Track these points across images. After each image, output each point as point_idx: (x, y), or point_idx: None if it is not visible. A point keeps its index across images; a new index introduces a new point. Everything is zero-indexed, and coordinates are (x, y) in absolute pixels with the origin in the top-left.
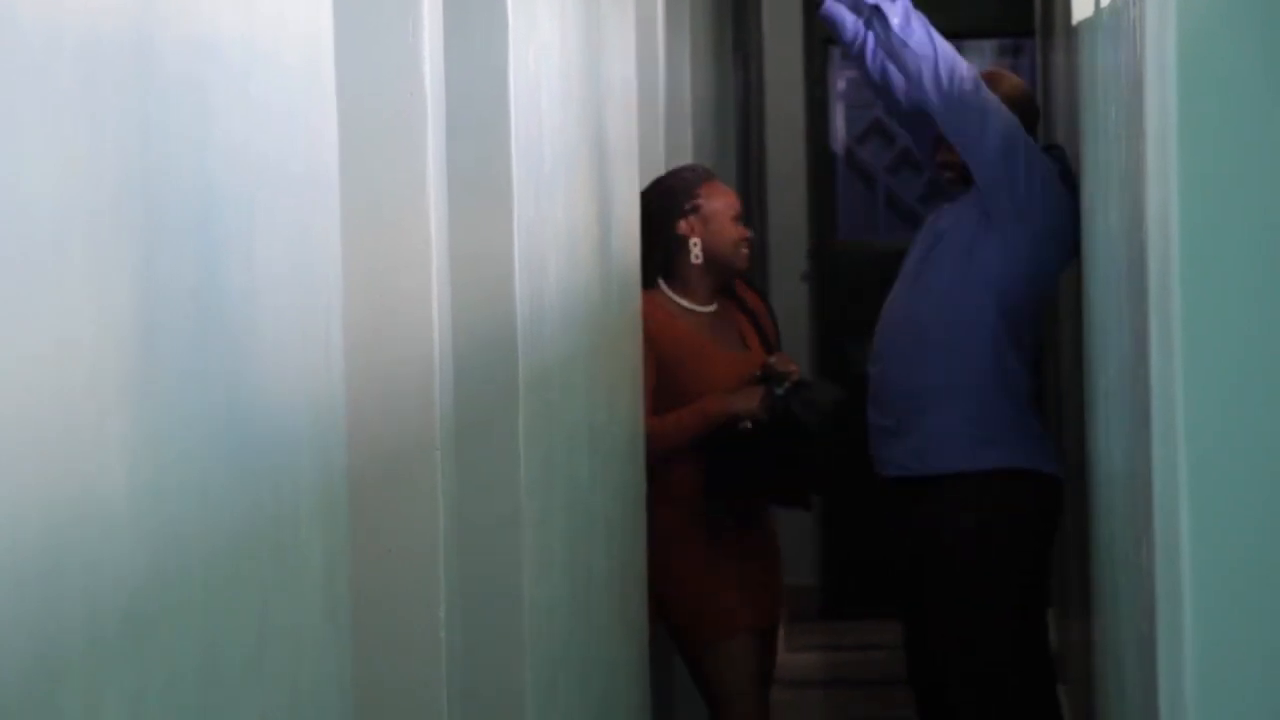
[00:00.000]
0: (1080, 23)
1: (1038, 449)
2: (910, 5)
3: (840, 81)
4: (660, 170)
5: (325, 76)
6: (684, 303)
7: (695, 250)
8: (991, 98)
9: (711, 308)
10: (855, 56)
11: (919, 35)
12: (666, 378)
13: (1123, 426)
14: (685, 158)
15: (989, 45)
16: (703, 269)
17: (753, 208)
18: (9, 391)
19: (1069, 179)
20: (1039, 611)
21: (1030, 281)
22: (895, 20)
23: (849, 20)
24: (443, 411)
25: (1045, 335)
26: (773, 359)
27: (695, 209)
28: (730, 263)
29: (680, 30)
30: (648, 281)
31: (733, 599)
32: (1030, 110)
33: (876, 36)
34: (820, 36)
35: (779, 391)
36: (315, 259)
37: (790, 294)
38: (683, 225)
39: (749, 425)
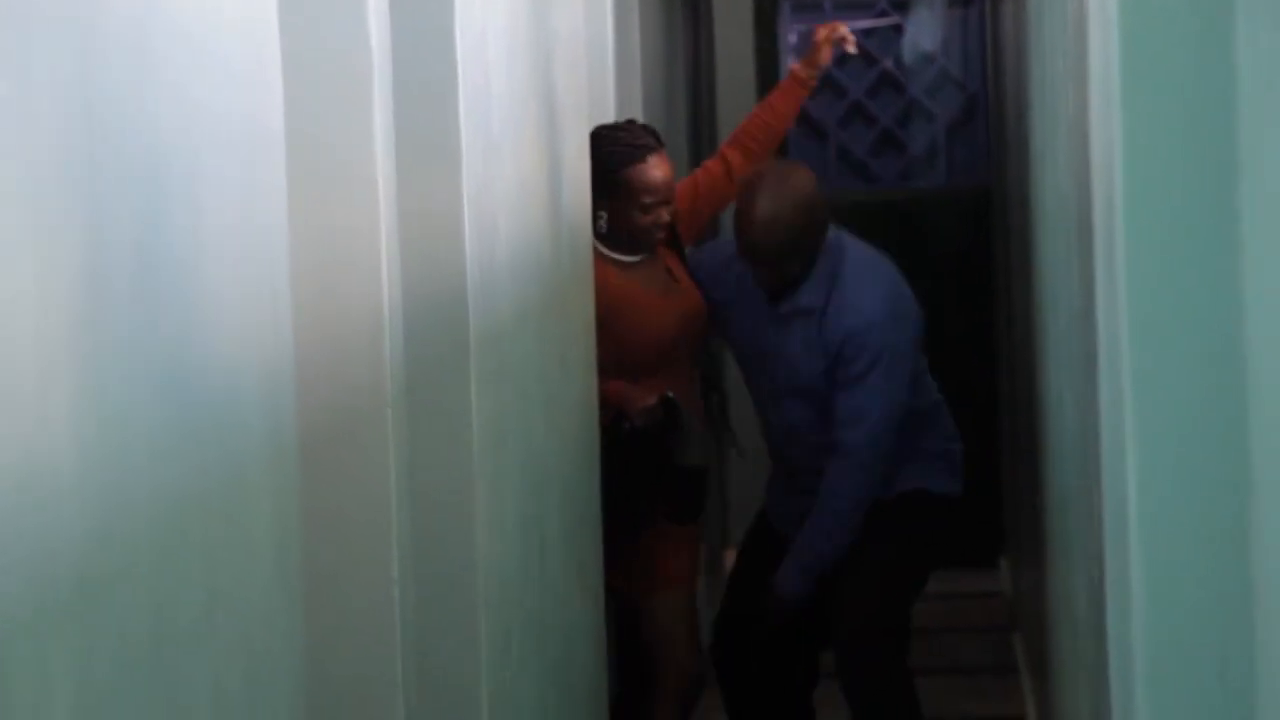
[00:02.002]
0: None
1: (927, 471)
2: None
3: (791, 34)
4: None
5: (269, 30)
6: (611, 254)
7: (600, 223)
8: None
9: (636, 256)
10: None
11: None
12: (607, 328)
13: (1073, 375)
14: (635, 112)
15: None
16: (617, 236)
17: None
18: None
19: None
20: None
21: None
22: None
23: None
24: (393, 370)
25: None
26: (671, 394)
27: (613, 185)
28: (637, 244)
29: None
30: None
31: (667, 557)
32: (821, 210)
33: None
34: None
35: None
36: (261, 215)
37: None
38: (599, 199)
39: (629, 426)
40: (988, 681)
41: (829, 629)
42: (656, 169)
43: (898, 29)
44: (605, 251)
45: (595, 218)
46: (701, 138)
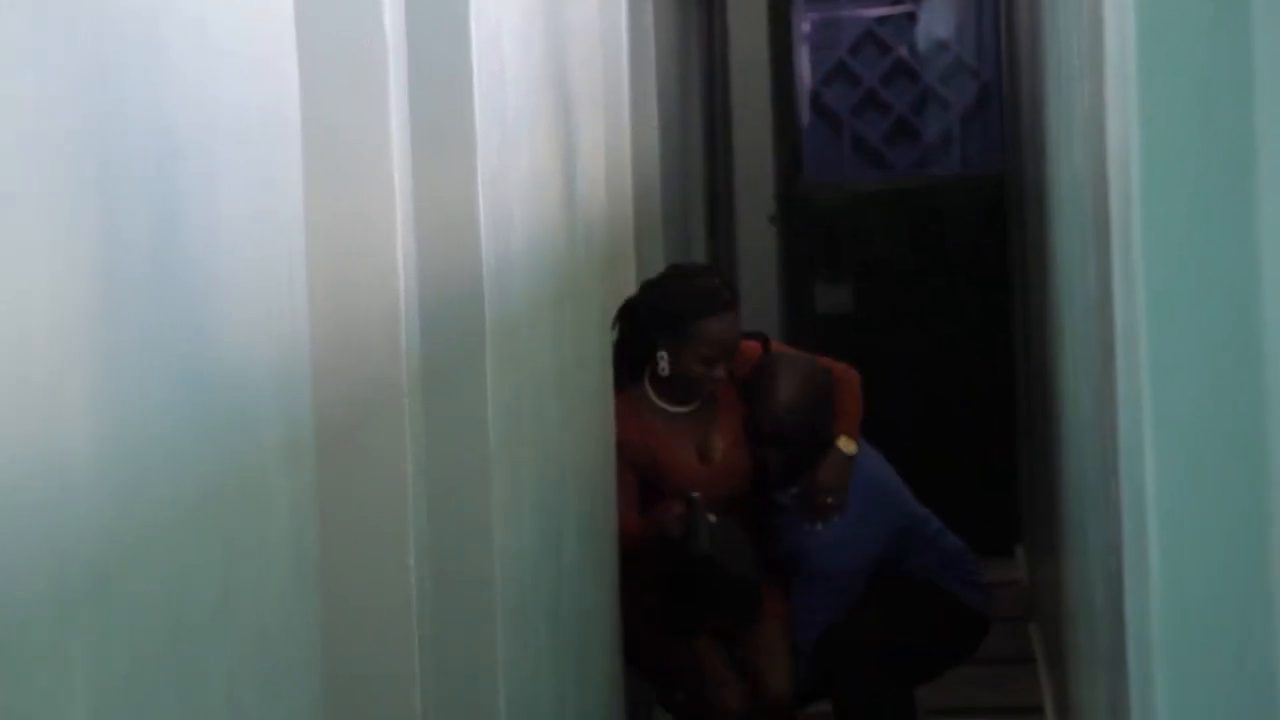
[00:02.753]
0: None
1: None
2: None
3: (805, 24)
4: (624, 116)
5: (285, 22)
6: (660, 404)
7: (662, 364)
8: None
9: (685, 408)
10: None
11: None
12: (644, 472)
13: (1089, 364)
14: (649, 100)
15: None
16: (673, 381)
17: (718, 152)
18: None
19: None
20: None
21: None
22: None
23: None
24: (409, 359)
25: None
26: (694, 495)
27: (680, 330)
28: (689, 392)
29: None
30: (626, 381)
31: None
32: (829, 396)
33: None
34: None
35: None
36: (277, 206)
37: (758, 237)
38: (661, 341)
39: (662, 534)
40: (1004, 671)
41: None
42: (726, 325)
43: (912, 17)
44: (655, 400)
45: (656, 358)
46: (715, 128)
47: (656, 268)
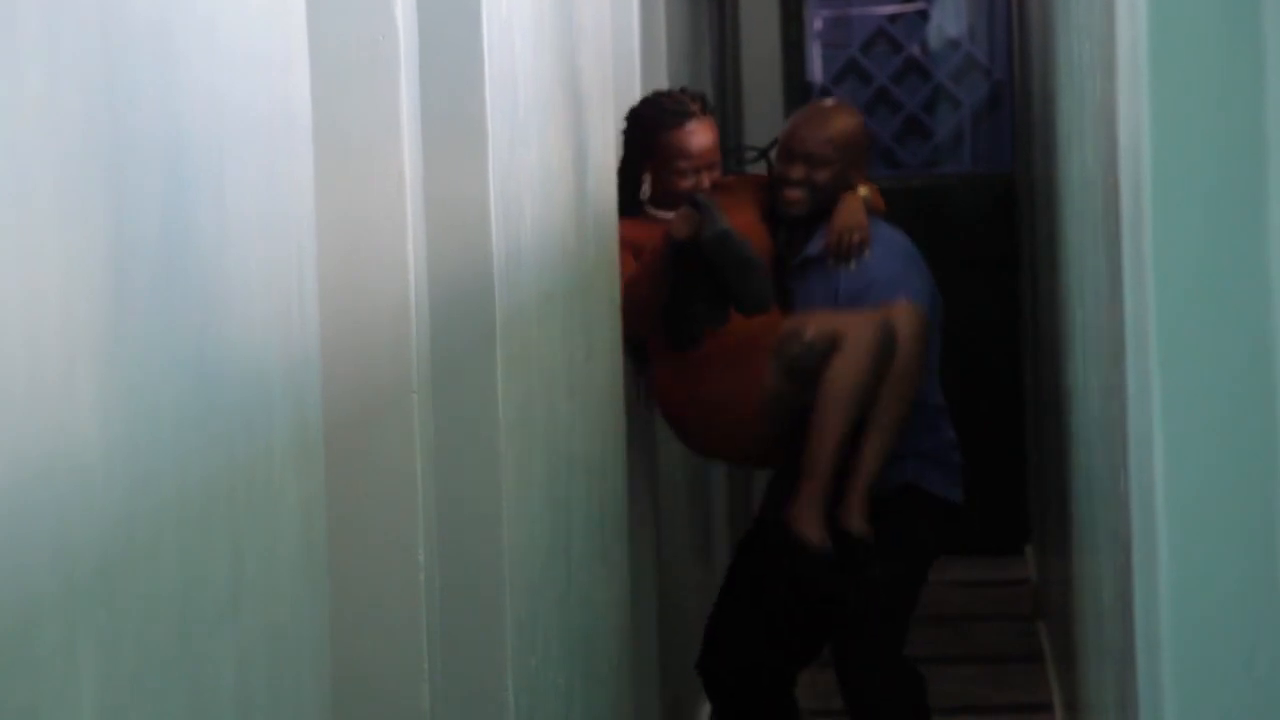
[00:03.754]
0: None
1: (923, 470)
2: None
3: (816, 21)
4: None
5: (296, 19)
6: (658, 214)
7: (645, 188)
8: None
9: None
10: None
11: None
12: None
13: (1099, 360)
14: None
15: None
16: (664, 201)
17: (729, 149)
18: None
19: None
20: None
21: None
22: None
23: None
24: (419, 354)
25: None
26: (699, 195)
27: (652, 150)
28: (671, 207)
29: None
30: (631, 208)
31: None
32: (864, 143)
33: None
34: None
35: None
36: (287, 202)
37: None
38: (643, 162)
39: (675, 242)
40: (1013, 669)
41: (816, 646)
42: (695, 134)
43: (924, 15)
44: (652, 212)
45: (640, 183)
46: (727, 126)
47: None
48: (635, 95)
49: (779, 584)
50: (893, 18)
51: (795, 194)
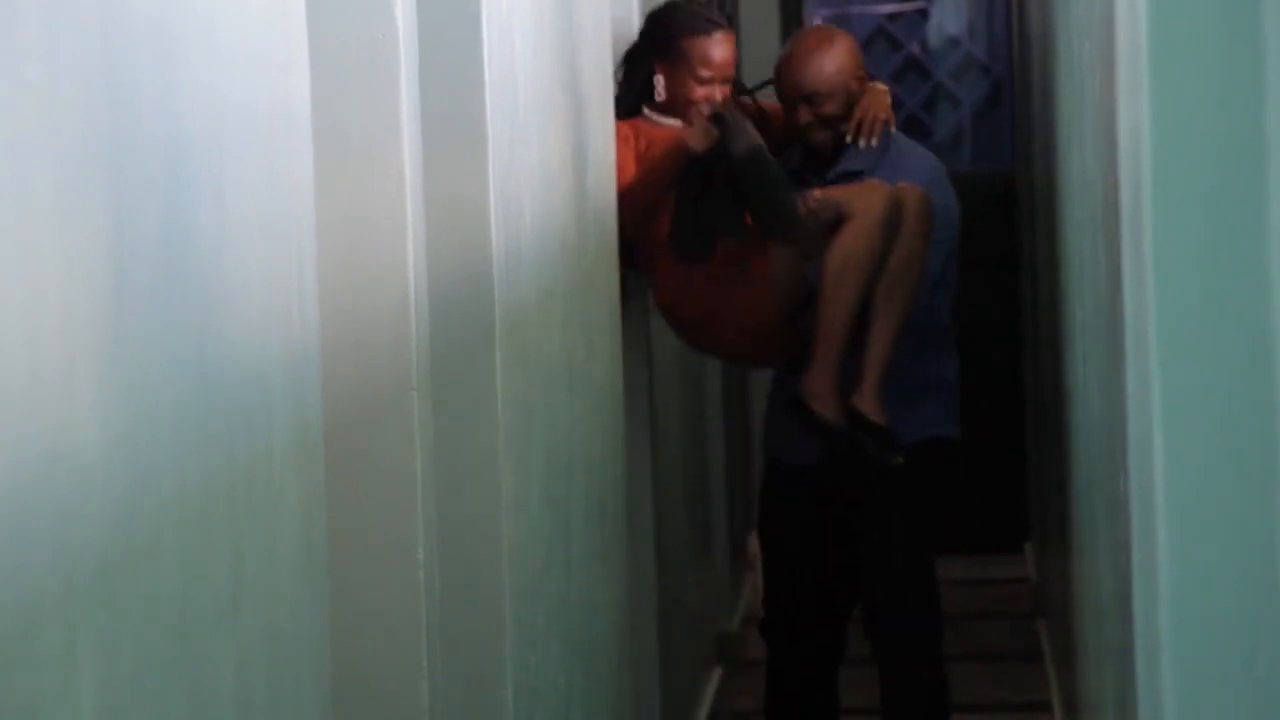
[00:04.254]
0: None
1: (942, 412)
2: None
3: (816, 20)
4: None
5: (295, 18)
6: (660, 120)
7: (659, 88)
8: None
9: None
10: None
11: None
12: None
13: (1099, 360)
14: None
15: None
16: (670, 109)
17: None
18: None
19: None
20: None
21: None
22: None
23: None
24: (419, 353)
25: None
26: (719, 109)
27: (670, 53)
28: (683, 116)
29: None
30: (629, 110)
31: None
32: (857, 59)
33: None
34: None
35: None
36: (287, 202)
37: None
38: (658, 64)
39: (691, 155)
40: (1013, 668)
41: (848, 604)
42: (719, 45)
43: (923, 13)
44: (654, 117)
45: (652, 84)
46: None
47: None
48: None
49: (800, 526)
50: (892, 16)
51: (816, 137)
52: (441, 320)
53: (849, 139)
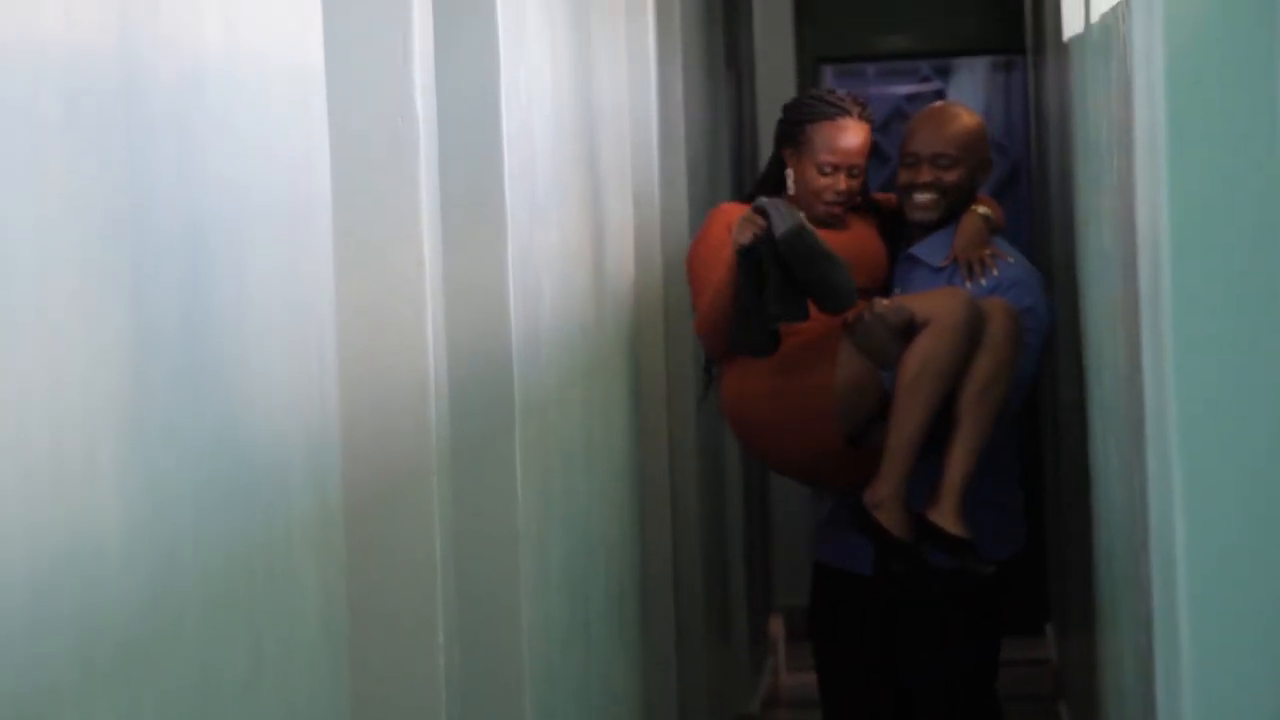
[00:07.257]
0: (1071, 39)
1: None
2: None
3: None
4: (654, 194)
5: (315, 106)
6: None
7: (789, 182)
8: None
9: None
10: None
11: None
12: None
13: (1119, 440)
14: (679, 179)
15: (981, 62)
16: (799, 203)
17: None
18: (1, 421)
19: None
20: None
21: None
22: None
23: None
24: (438, 435)
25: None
26: (760, 200)
27: (798, 142)
28: (809, 207)
29: (671, 49)
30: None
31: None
32: (987, 143)
33: None
34: (812, 53)
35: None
36: (307, 288)
37: None
38: (787, 152)
39: (740, 249)
40: None
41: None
42: (844, 132)
43: (940, 94)
44: None
45: (783, 178)
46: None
47: (686, 343)
48: (653, 176)
49: (857, 627)
50: (911, 97)
51: (925, 197)
52: (461, 403)
53: (959, 267)
